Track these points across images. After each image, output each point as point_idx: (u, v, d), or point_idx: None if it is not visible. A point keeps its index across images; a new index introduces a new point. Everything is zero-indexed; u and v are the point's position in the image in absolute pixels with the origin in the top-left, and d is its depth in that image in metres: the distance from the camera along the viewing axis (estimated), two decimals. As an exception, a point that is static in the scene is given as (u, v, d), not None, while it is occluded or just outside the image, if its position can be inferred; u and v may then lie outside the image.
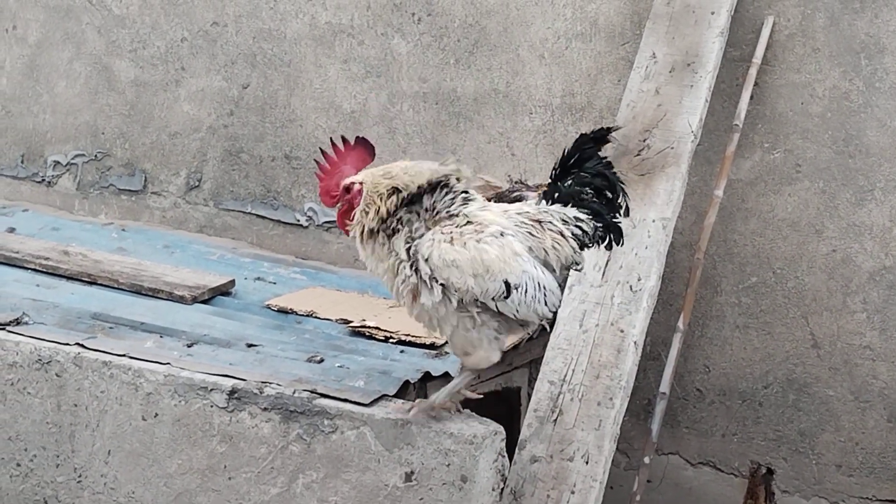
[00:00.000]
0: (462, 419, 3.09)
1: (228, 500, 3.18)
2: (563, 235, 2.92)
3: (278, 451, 3.14)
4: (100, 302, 3.67)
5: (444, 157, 2.97)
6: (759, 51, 3.67)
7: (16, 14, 4.58)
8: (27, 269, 3.89)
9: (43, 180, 4.60)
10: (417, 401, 3.05)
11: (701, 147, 3.69)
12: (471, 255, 2.83)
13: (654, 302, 3.40)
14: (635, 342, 3.30)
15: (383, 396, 3.13)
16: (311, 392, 3.15)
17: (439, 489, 3.03)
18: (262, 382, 3.18)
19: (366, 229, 2.88)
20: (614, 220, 2.96)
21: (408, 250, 2.86)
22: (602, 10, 3.85)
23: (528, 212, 2.95)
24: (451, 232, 2.85)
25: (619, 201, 2.95)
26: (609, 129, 2.96)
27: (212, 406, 3.18)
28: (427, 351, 3.45)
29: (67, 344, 3.33)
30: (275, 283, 3.97)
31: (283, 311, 3.72)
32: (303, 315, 3.71)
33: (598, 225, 2.94)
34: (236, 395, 3.17)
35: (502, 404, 3.65)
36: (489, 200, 3.15)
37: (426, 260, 2.84)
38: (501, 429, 3.07)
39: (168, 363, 3.27)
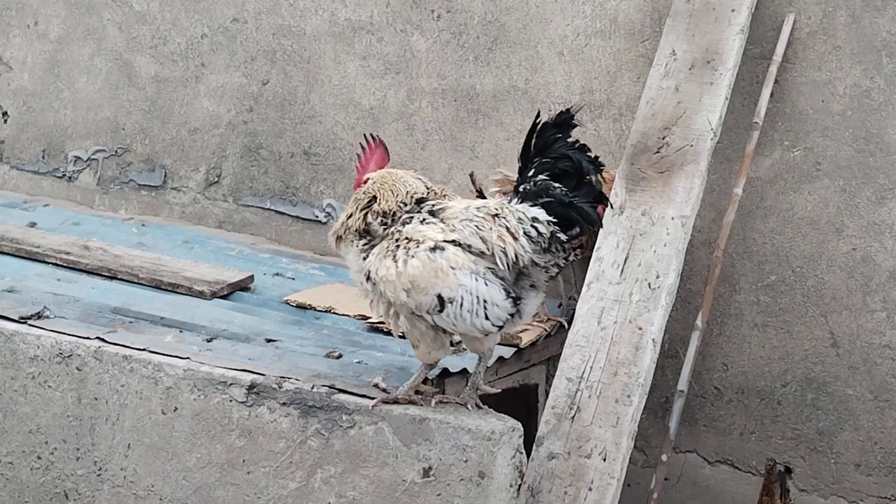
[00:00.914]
0: (480, 415, 3.09)
1: (247, 494, 3.19)
2: (509, 231, 2.88)
3: (297, 445, 3.15)
4: (120, 296, 3.69)
5: (441, 187, 3.05)
6: (779, 48, 3.65)
7: (37, 10, 4.61)
8: (48, 263, 3.92)
9: (64, 175, 4.63)
10: (381, 395, 3.09)
11: (720, 145, 3.68)
12: (398, 270, 2.90)
13: (672, 299, 3.39)
14: (653, 340, 3.30)
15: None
16: (330, 387, 3.16)
17: (457, 485, 3.03)
18: (281, 377, 3.19)
19: (334, 234, 3.00)
20: (576, 200, 2.86)
21: (363, 259, 2.96)
22: (622, 7, 3.85)
23: (487, 206, 2.94)
24: (389, 247, 2.92)
25: (587, 179, 2.86)
26: (568, 111, 2.89)
27: (231, 400, 3.20)
28: (445, 347, 3.46)
29: (88, 338, 3.36)
30: (293, 279, 3.99)
31: (301, 307, 3.74)
32: (321, 311, 3.72)
33: (555, 228, 2.85)
34: (255, 390, 3.19)
35: (520, 401, 3.65)
36: (505, 195, 3.18)
37: (367, 276, 2.95)
38: (519, 425, 3.08)
39: (188, 358, 3.29)
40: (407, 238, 2.92)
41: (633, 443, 3.21)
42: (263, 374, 3.21)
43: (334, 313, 3.71)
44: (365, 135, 3.12)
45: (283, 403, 3.15)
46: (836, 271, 3.69)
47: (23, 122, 4.67)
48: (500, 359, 3.50)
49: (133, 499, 3.28)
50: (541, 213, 2.88)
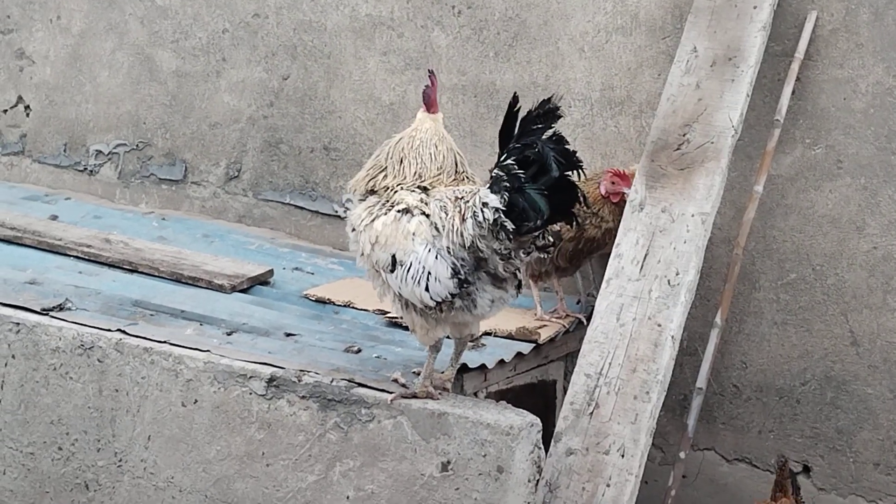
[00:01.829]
0: (498, 410, 3.10)
1: (266, 486, 3.21)
2: (460, 213, 2.93)
3: (316, 438, 3.16)
4: (141, 289, 3.71)
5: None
6: (801, 45, 3.64)
7: (60, 4, 4.63)
8: (70, 256, 3.94)
9: (85, 169, 4.66)
10: (400, 390, 3.11)
11: (741, 142, 3.67)
12: (368, 223, 3.05)
13: (692, 297, 3.39)
14: (672, 336, 3.29)
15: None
16: (349, 381, 3.17)
17: (475, 479, 3.04)
18: (301, 371, 3.20)
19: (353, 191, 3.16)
20: (526, 186, 2.82)
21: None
22: (643, 4, 3.84)
23: (464, 191, 3.00)
24: (371, 205, 3.08)
25: (549, 169, 2.80)
26: (549, 101, 2.85)
27: (251, 393, 3.21)
28: (464, 342, 3.46)
29: (109, 330, 3.37)
30: (312, 274, 4.00)
31: (320, 301, 3.75)
32: (340, 305, 3.73)
33: (500, 215, 2.83)
34: (275, 383, 3.20)
35: (538, 397, 3.65)
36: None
37: (353, 227, 3.12)
38: (538, 420, 3.08)
39: (208, 350, 3.30)
40: (388, 200, 3.06)
41: (652, 440, 3.21)
42: (283, 368, 3.22)
43: (353, 308, 3.72)
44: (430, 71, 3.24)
45: (303, 397, 3.16)
46: (857, 270, 3.68)
47: (45, 115, 4.70)
48: (519, 354, 3.50)
49: (153, 490, 3.30)
50: (493, 199, 2.87)
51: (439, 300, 2.96)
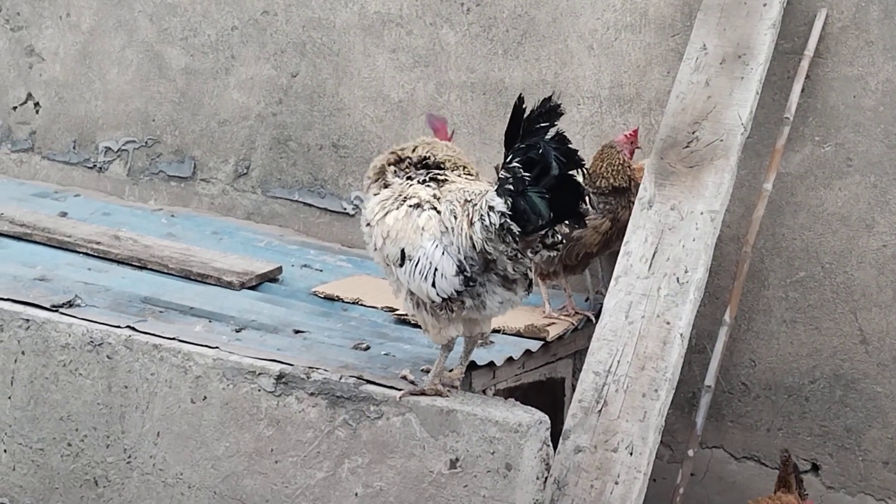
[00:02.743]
0: (507, 407, 3.10)
1: (275, 483, 3.21)
2: (468, 217, 2.93)
3: (324, 435, 3.16)
4: (150, 286, 3.72)
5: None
6: (811, 43, 3.63)
7: (70, 1, 4.64)
8: (79, 252, 3.96)
9: (94, 166, 4.67)
10: (409, 387, 3.12)
11: (750, 140, 3.66)
12: (381, 217, 3.06)
13: (700, 294, 3.39)
14: (681, 334, 3.29)
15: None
16: (358, 378, 3.17)
17: (484, 476, 3.04)
18: (310, 368, 3.21)
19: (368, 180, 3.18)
20: (528, 190, 2.81)
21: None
22: (652, 1, 3.84)
23: (473, 192, 3.00)
24: (384, 197, 3.09)
25: (549, 169, 2.79)
26: (549, 100, 2.85)
27: (259, 390, 3.21)
28: (472, 340, 3.46)
29: (118, 326, 3.38)
30: (321, 271, 4.00)
31: (329, 299, 3.75)
32: (349, 302, 3.74)
33: (506, 220, 2.84)
34: (284, 380, 3.20)
35: (546, 394, 3.65)
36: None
37: (368, 223, 3.14)
38: (546, 418, 3.08)
39: (217, 347, 3.31)
40: (401, 194, 3.07)
41: (660, 437, 3.21)
42: (292, 365, 3.23)
43: (362, 305, 3.72)
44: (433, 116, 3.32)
45: (312, 394, 3.16)
46: (866, 268, 3.67)
47: (54, 112, 4.71)
48: (527, 352, 3.50)
49: (162, 486, 3.31)
50: (498, 202, 2.88)
51: (445, 296, 2.96)
